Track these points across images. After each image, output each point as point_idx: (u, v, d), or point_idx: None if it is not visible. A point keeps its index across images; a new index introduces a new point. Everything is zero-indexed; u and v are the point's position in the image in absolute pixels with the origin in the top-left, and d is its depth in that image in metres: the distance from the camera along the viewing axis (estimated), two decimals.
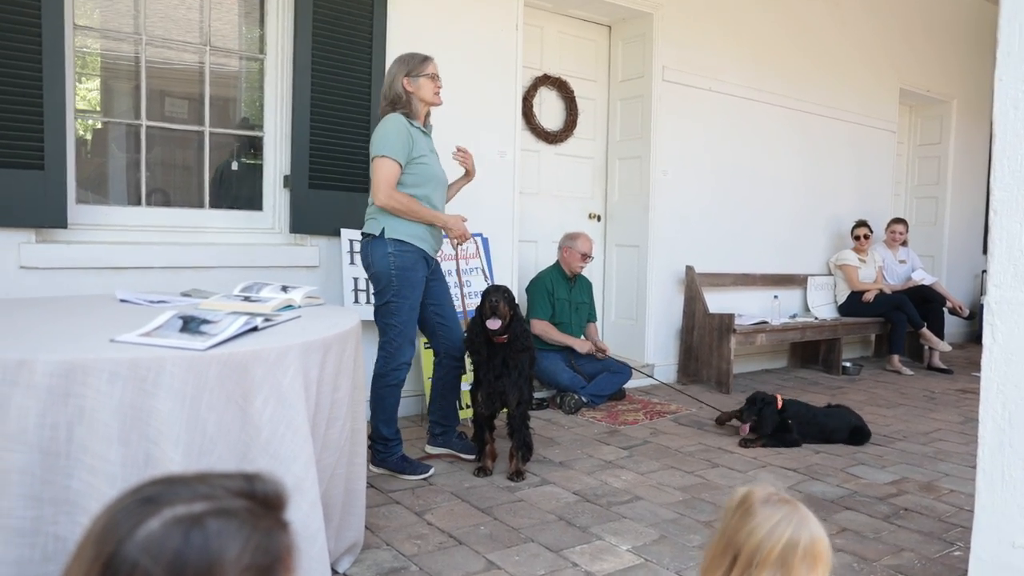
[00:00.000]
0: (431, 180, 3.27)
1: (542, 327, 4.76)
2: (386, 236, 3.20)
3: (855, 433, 4.05)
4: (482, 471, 3.38)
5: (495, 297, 3.30)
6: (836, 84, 6.75)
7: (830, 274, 6.77)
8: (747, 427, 4.00)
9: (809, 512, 1.16)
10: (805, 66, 6.46)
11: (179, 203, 3.95)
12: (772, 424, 3.95)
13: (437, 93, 3.30)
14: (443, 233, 3.40)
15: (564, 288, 4.88)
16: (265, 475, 0.76)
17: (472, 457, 3.52)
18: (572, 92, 5.56)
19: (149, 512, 0.69)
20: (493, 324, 3.28)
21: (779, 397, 4.05)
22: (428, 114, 3.38)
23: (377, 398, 3.28)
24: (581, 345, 4.82)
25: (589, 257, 4.91)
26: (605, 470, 3.51)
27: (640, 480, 3.38)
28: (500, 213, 4.78)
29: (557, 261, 4.95)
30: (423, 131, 3.29)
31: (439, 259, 3.54)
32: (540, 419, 4.39)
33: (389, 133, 3.15)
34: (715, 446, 3.95)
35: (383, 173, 3.14)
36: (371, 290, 3.93)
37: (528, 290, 4.91)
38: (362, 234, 3.34)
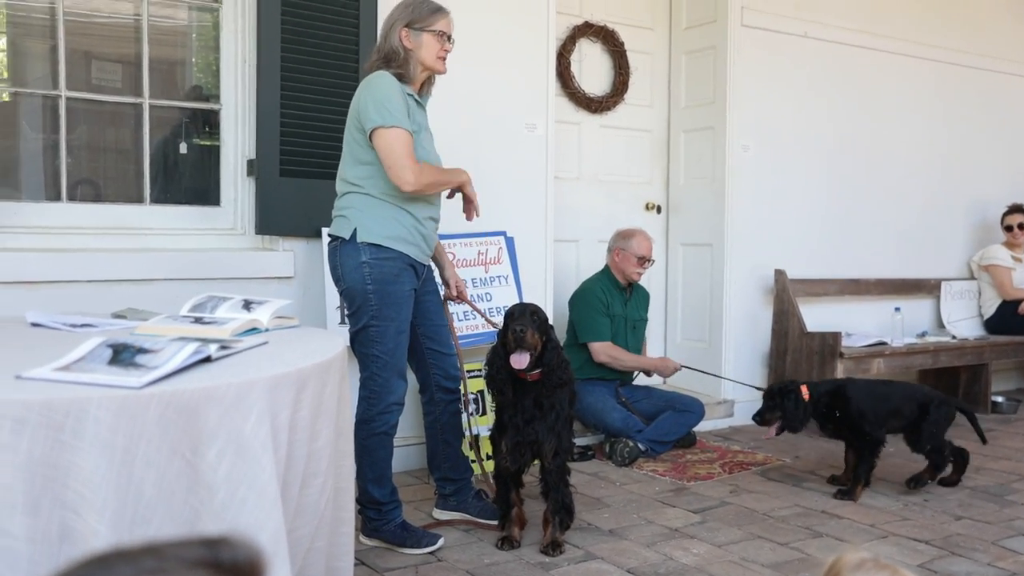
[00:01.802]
0: (422, 162, 3.25)
1: (608, 352, 4.76)
2: (359, 240, 3.19)
3: (925, 409, 4.15)
4: (507, 542, 3.36)
5: (521, 324, 3.28)
6: (986, 21, 6.68)
7: (973, 278, 6.69)
8: (773, 430, 4.19)
9: None
10: None
11: (111, 198, 3.99)
12: (803, 418, 4.13)
13: (442, 58, 3.30)
14: (435, 232, 3.41)
15: (619, 301, 4.87)
16: (233, 537, 0.76)
17: (494, 523, 3.50)
18: (622, 45, 5.55)
19: None
20: (519, 361, 3.27)
21: (804, 388, 4.21)
22: (429, 82, 3.38)
23: (363, 451, 3.26)
24: (662, 366, 4.82)
25: (648, 261, 4.89)
26: (669, 541, 3.47)
27: (717, 554, 3.33)
28: (529, 205, 4.78)
29: (607, 266, 4.94)
30: (418, 102, 3.30)
31: (431, 264, 3.54)
32: (584, 473, 4.36)
33: (389, 96, 3.14)
34: (817, 508, 3.90)
35: (401, 147, 3.12)
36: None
37: (574, 304, 4.90)
38: (329, 237, 3.35)
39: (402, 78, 3.23)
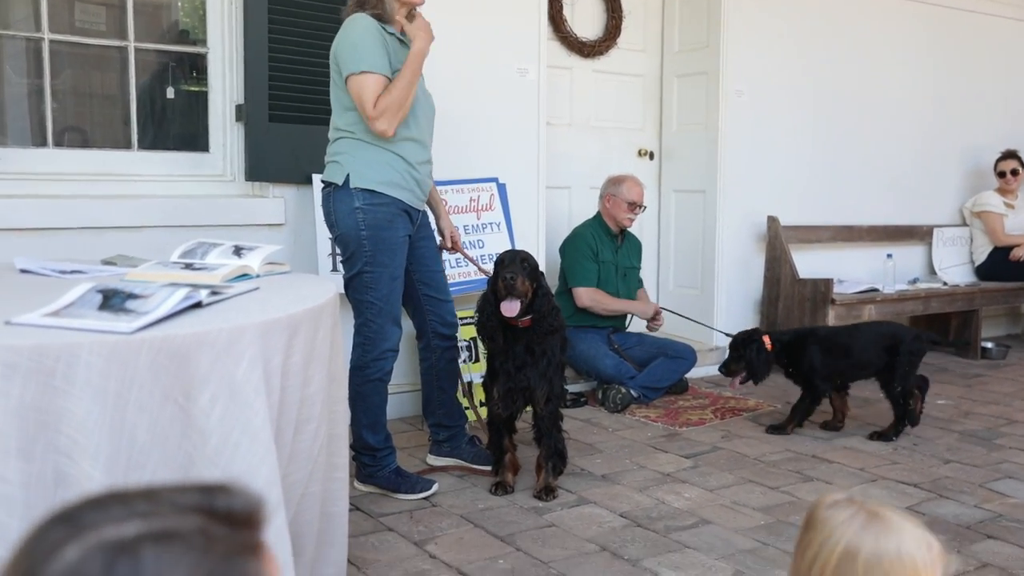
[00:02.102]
0: (412, 105, 3.21)
1: (591, 296, 4.77)
2: (352, 185, 3.17)
3: (895, 351, 4.13)
4: (500, 487, 3.39)
5: (511, 271, 3.27)
6: None
7: (965, 224, 6.70)
8: (737, 380, 4.27)
9: (902, 522, 1.16)
10: None
11: (98, 144, 3.96)
12: (764, 369, 4.22)
13: None
14: (430, 177, 3.38)
15: (609, 248, 4.86)
16: (231, 485, 0.76)
17: (488, 469, 3.53)
18: None
19: (68, 537, 0.69)
20: (510, 309, 3.26)
21: (766, 337, 4.27)
22: (411, 17, 3.32)
23: (358, 397, 3.27)
24: (644, 309, 4.85)
25: (639, 206, 4.87)
26: (662, 485, 3.50)
27: (708, 498, 3.36)
28: (521, 151, 4.75)
29: (598, 213, 4.93)
30: (401, 40, 3.24)
31: (427, 209, 3.52)
32: (577, 419, 4.39)
33: (362, 40, 3.11)
34: (807, 453, 3.93)
35: (369, 94, 3.09)
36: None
37: (564, 250, 4.90)
38: (322, 183, 3.33)
39: (380, 19, 3.18)
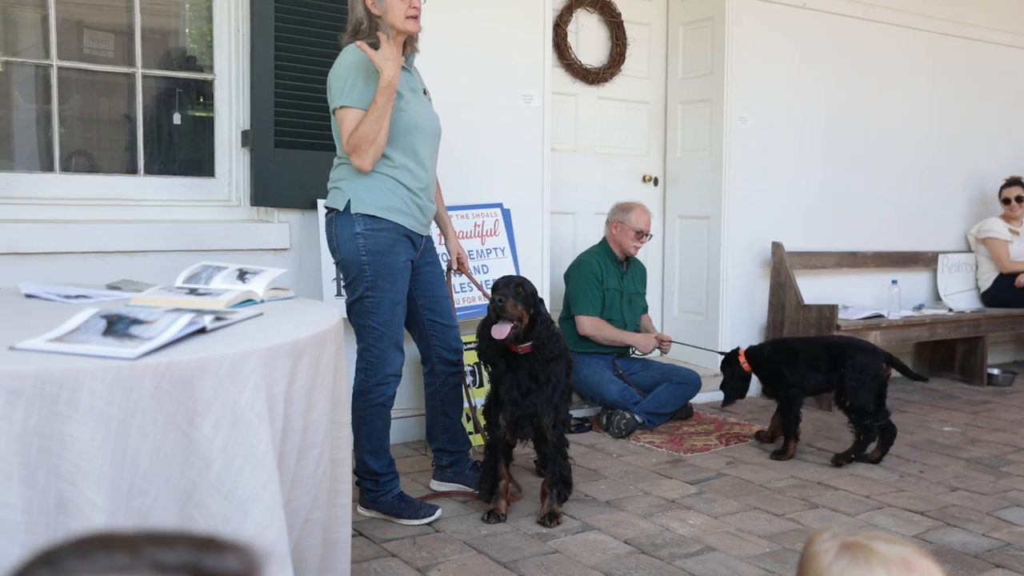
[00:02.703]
0: (409, 131, 3.23)
1: (593, 325, 4.76)
2: (352, 211, 3.19)
3: (839, 360, 4.15)
4: (493, 515, 3.37)
5: (501, 294, 3.27)
6: None
7: (970, 251, 6.69)
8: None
9: (877, 551, 1.15)
10: None
11: (104, 169, 3.98)
12: (740, 385, 4.37)
13: (413, 18, 3.20)
14: (432, 202, 3.38)
15: (615, 275, 4.86)
16: (227, 542, 0.72)
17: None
18: (619, 15, 5.52)
19: None
20: (500, 332, 3.26)
21: (741, 351, 4.37)
22: (410, 43, 3.33)
23: (360, 422, 3.28)
24: (645, 342, 4.81)
25: (646, 235, 4.88)
26: (667, 512, 3.48)
27: (713, 525, 3.35)
28: (526, 177, 4.77)
29: (604, 239, 4.93)
30: (403, 67, 3.25)
31: (430, 234, 3.52)
32: (581, 445, 4.38)
33: (343, 75, 3.15)
34: (812, 479, 3.91)
35: (345, 128, 3.14)
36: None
37: (569, 277, 4.90)
38: (325, 208, 3.35)
39: (375, 47, 3.19)
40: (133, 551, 0.70)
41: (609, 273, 4.84)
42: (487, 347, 3.35)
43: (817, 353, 4.27)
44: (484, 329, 3.37)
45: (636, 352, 4.94)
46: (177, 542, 0.71)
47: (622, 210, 4.88)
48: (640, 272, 5.06)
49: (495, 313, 3.27)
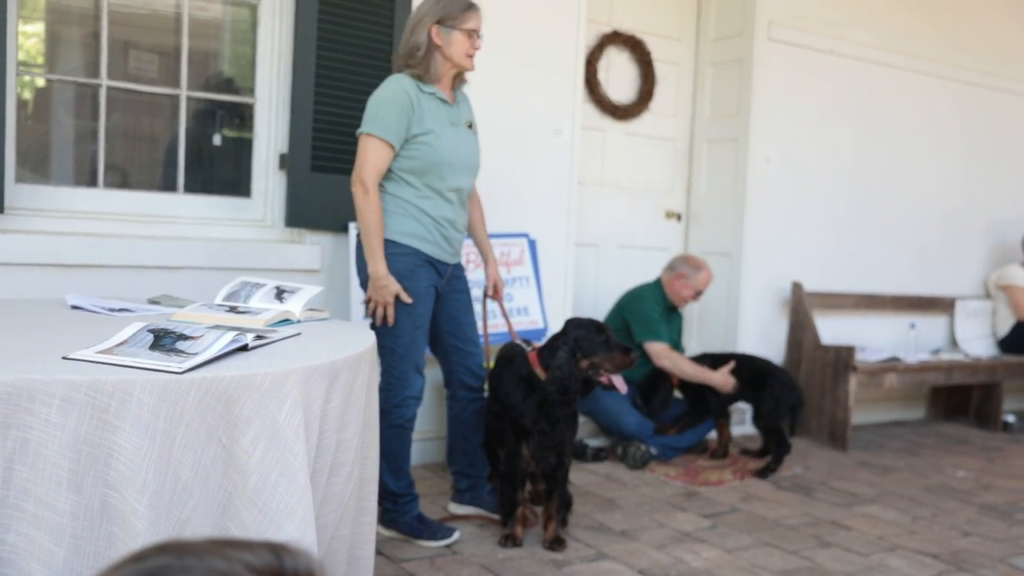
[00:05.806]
0: (437, 165, 3.25)
1: (668, 355, 4.73)
2: None
3: (762, 381, 4.70)
4: (510, 539, 3.37)
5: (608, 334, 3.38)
6: (1009, 44, 6.67)
7: (988, 297, 6.67)
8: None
9: None
10: (967, 16, 6.39)
11: (145, 186, 4.04)
12: (663, 404, 4.74)
13: (471, 56, 3.30)
14: (461, 231, 3.43)
15: (665, 318, 4.90)
16: (293, 548, 0.76)
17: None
18: (649, 54, 5.57)
19: None
20: (623, 385, 3.38)
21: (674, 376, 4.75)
22: (459, 77, 3.40)
23: (380, 442, 3.30)
24: (722, 381, 4.70)
25: (701, 296, 4.96)
26: (680, 544, 3.49)
27: (726, 559, 3.35)
28: (552, 208, 4.81)
29: (659, 281, 4.94)
30: (442, 99, 3.29)
31: (461, 263, 3.57)
32: (597, 474, 4.40)
33: (383, 104, 3.20)
34: (826, 518, 3.91)
35: (361, 157, 3.20)
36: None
37: (629, 307, 4.88)
38: (356, 231, 3.40)
39: (421, 78, 3.25)
40: (224, 555, 0.73)
41: (663, 315, 4.89)
42: (571, 385, 3.29)
43: (741, 366, 4.71)
44: (569, 368, 3.28)
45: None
46: (256, 545, 0.74)
47: (692, 267, 4.87)
48: (679, 323, 5.07)
49: (614, 366, 3.35)
